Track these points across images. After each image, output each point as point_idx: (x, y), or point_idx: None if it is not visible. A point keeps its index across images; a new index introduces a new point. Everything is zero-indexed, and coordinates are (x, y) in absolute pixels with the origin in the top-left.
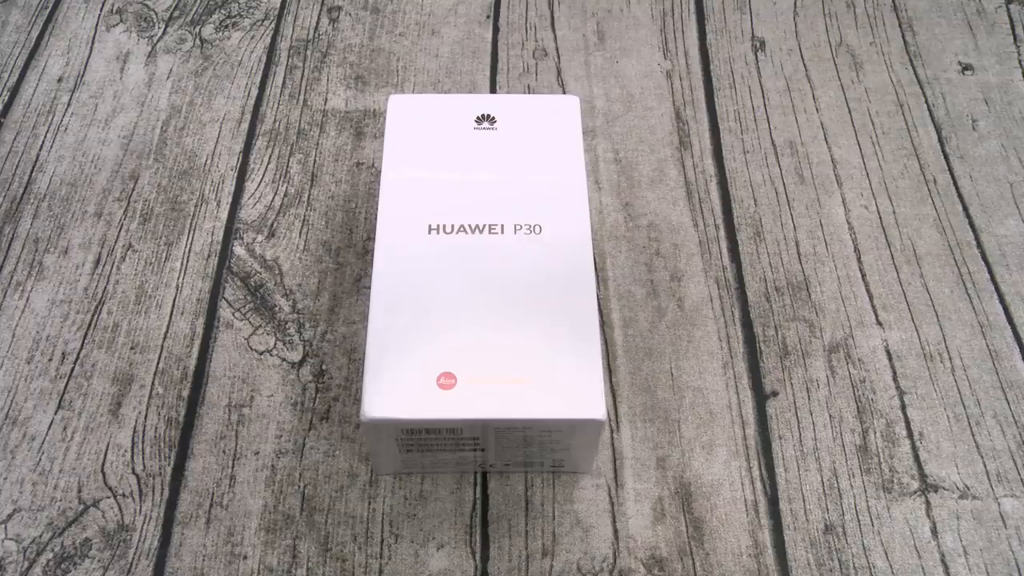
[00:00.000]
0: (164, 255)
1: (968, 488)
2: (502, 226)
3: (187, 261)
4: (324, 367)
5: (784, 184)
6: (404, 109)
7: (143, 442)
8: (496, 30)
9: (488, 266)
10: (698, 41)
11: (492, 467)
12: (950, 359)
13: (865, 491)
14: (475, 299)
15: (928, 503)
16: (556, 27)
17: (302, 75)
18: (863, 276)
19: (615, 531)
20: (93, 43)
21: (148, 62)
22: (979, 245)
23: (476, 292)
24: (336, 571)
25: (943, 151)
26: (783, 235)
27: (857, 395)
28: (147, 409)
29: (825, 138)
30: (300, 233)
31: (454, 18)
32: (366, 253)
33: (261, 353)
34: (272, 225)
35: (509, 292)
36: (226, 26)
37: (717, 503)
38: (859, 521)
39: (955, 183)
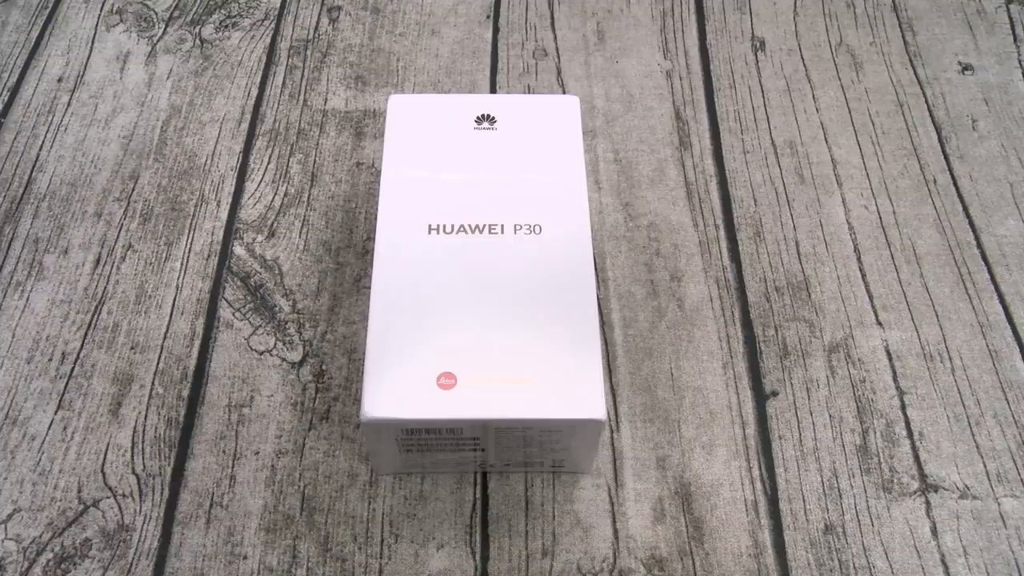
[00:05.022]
0: (164, 255)
1: (968, 488)
2: (502, 226)
3: (187, 261)
4: (324, 367)
5: (784, 184)
6: (404, 109)
7: (143, 442)
8: (496, 30)
9: (488, 266)
10: (698, 41)
11: (492, 467)
12: (950, 359)
13: (865, 491)
14: (475, 299)
15: (928, 503)
16: (556, 27)
17: (302, 75)
18: (863, 276)
19: (615, 531)
20: (93, 43)
21: (148, 62)
22: (979, 245)
23: (476, 292)
24: (336, 571)
25: (943, 151)
26: (783, 235)
27: (857, 395)
28: (147, 409)
29: (825, 138)
30: (300, 233)
31: (454, 18)
32: (366, 253)
33: (261, 353)
34: (272, 225)
35: (509, 292)
36: (226, 26)
37: (717, 503)
38: (859, 521)
39: (955, 183)
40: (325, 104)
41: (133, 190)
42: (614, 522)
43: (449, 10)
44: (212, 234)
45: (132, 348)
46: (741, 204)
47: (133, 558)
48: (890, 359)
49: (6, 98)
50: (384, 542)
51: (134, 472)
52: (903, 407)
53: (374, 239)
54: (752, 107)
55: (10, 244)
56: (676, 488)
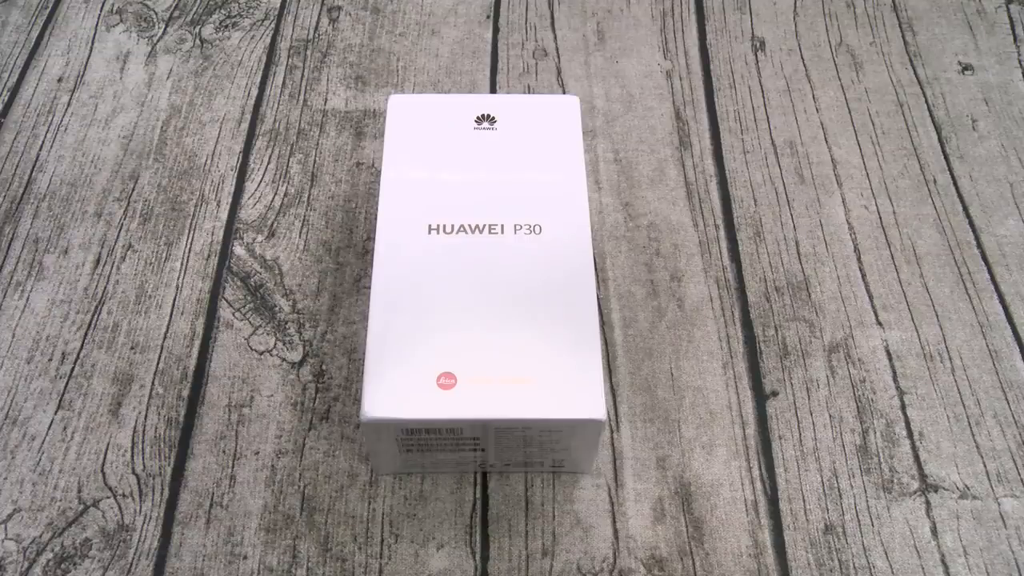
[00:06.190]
0: (164, 255)
1: (968, 488)
2: (502, 226)
3: (187, 261)
4: (324, 367)
5: (784, 184)
6: (404, 109)
7: (143, 442)
8: (496, 30)
9: (488, 266)
10: (698, 41)
11: (492, 467)
12: (950, 359)
13: (865, 491)
14: (475, 299)
15: (928, 503)
16: (556, 27)
17: (302, 75)
18: (863, 276)
19: (615, 531)
20: (93, 43)
21: (148, 62)
22: (979, 245)
23: (476, 292)
24: (336, 571)
25: (943, 151)
26: (783, 235)
27: (857, 395)
28: (147, 409)
29: (825, 138)
30: (300, 233)
31: (454, 18)
32: (366, 253)
33: (261, 353)
34: (272, 225)
35: (509, 292)
36: (226, 26)
37: (717, 503)
38: (859, 521)
39: (955, 183)
40: (325, 104)
41: (133, 190)
42: (614, 522)
43: (449, 10)
44: (212, 234)
45: (132, 348)
46: (741, 204)
47: (133, 558)
48: (890, 359)
49: (6, 98)
50: (384, 542)
51: (134, 472)
52: (903, 407)
53: (374, 239)
54: (752, 107)
55: (10, 244)
56: (676, 488)
